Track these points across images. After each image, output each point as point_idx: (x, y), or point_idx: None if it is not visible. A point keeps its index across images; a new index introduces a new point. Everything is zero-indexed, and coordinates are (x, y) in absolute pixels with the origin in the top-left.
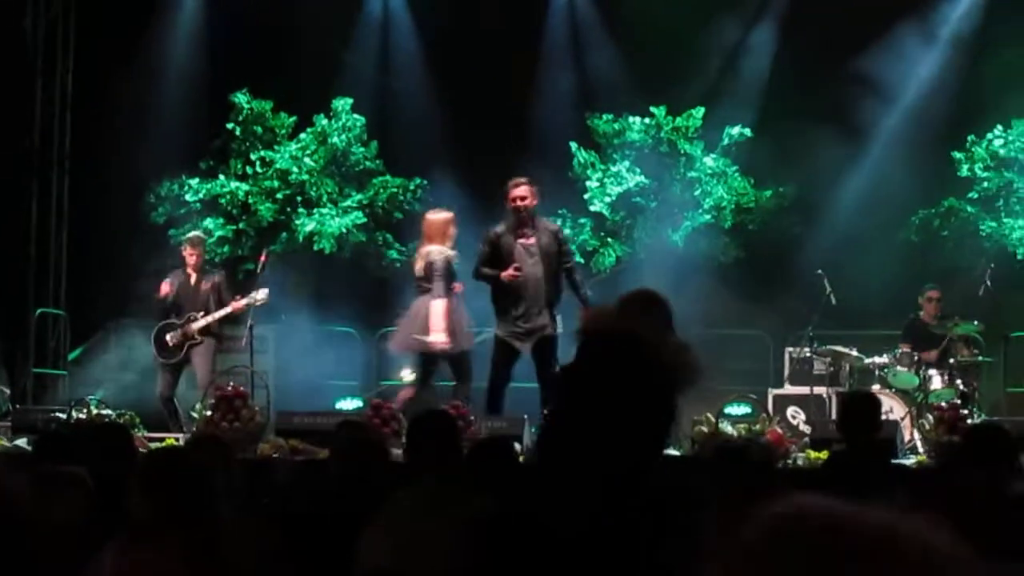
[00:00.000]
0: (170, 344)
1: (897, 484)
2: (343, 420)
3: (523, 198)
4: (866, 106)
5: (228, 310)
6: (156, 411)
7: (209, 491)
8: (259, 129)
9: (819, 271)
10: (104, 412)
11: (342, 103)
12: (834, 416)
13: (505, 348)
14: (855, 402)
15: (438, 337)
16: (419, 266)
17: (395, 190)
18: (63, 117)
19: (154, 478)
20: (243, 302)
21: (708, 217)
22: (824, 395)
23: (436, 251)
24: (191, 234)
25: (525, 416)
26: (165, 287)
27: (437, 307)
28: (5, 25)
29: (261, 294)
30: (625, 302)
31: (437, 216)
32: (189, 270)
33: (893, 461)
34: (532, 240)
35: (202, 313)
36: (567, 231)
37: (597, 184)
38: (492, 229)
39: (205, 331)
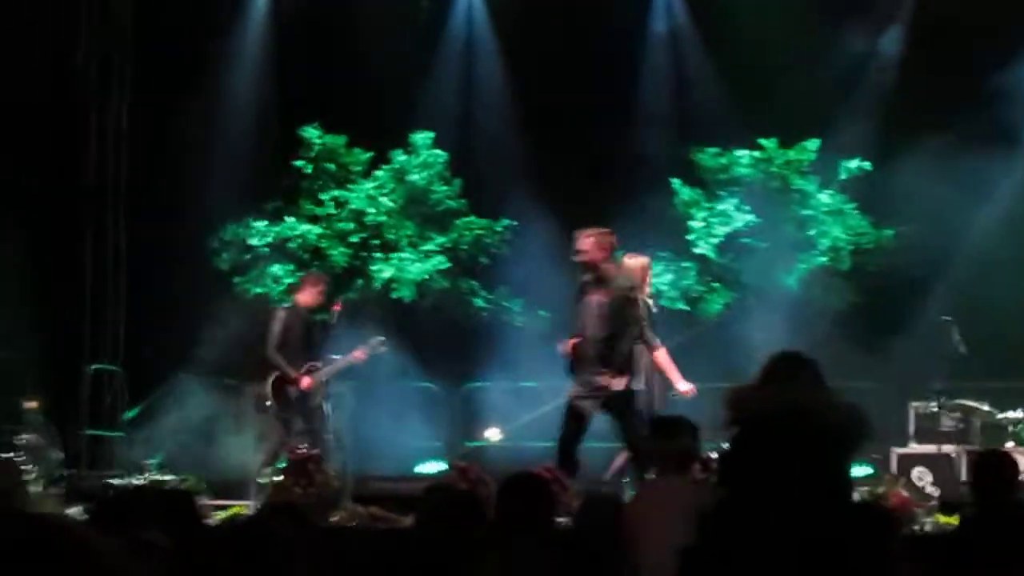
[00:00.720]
0: (291, 398)
1: None
2: (432, 484)
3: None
4: (1002, 131)
5: (350, 359)
6: (220, 475)
7: (290, 565)
8: (331, 166)
9: (946, 317)
10: (165, 477)
11: (422, 137)
12: (964, 477)
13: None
14: (988, 462)
15: (686, 385)
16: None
17: (480, 232)
18: (119, 154)
19: (237, 550)
20: (364, 351)
21: (824, 259)
22: (953, 454)
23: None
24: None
25: (625, 480)
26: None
27: (665, 356)
28: (57, 56)
29: (376, 341)
30: (769, 371)
31: (636, 261)
32: (302, 309)
33: None
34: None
35: (321, 363)
36: (669, 276)
37: (702, 224)
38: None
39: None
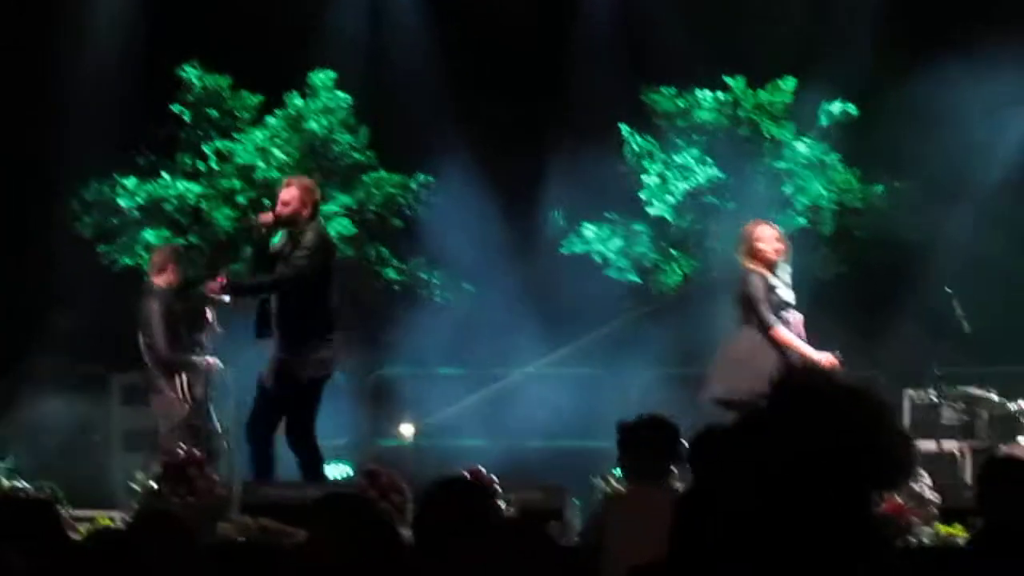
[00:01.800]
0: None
1: None
2: (328, 492)
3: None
4: (1014, 71)
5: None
6: (84, 482)
7: None
8: (214, 112)
9: (948, 289)
10: (16, 483)
11: (322, 77)
12: (969, 479)
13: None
14: (998, 468)
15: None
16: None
17: (392, 190)
18: None
19: (108, 568)
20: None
21: (802, 220)
22: (956, 452)
23: None
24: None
25: (564, 488)
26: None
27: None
28: None
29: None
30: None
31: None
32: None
33: None
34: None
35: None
36: (618, 241)
37: (657, 180)
38: None
39: None
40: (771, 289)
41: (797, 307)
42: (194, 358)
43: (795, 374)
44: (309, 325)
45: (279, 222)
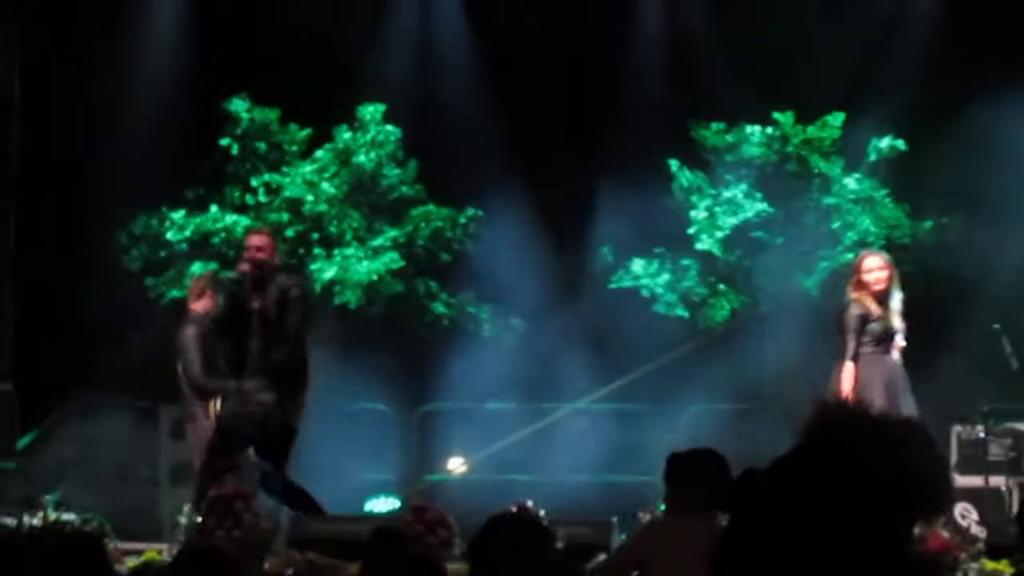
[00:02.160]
0: None
1: None
2: (378, 527)
3: (259, 248)
4: None
5: None
6: (132, 515)
7: None
8: (263, 146)
9: (996, 326)
10: (65, 517)
11: (371, 111)
12: (1017, 515)
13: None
14: None
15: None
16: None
17: (441, 224)
18: (6, 129)
19: None
20: None
21: (851, 256)
22: (1003, 487)
23: None
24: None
25: (614, 519)
26: None
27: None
28: None
29: None
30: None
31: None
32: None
33: None
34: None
35: None
36: (666, 275)
37: (705, 214)
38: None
39: None
40: (869, 320)
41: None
42: (224, 385)
43: (830, 410)
44: (300, 373)
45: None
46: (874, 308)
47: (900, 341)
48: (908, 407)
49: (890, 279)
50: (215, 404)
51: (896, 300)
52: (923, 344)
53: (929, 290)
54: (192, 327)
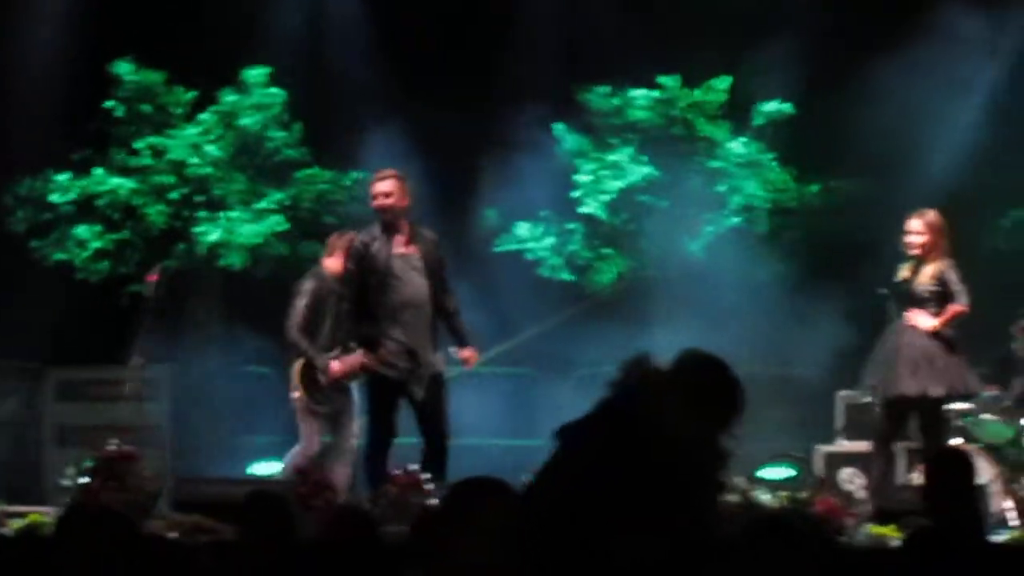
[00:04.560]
0: (323, 384)
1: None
2: (254, 490)
3: (388, 194)
4: (947, 72)
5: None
6: (17, 478)
7: None
8: (148, 108)
9: (882, 290)
10: None
11: (256, 73)
12: (900, 480)
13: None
14: (946, 463)
15: None
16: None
17: (325, 186)
18: None
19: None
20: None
21: (737, 220)
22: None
23: None
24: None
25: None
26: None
27: None
28: None
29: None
30: (682, 370)
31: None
32: (333, 275)
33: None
34: (412, 250)
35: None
36: (551, 239)
37: (590, 178)
38: (359, 237)
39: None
40: (896, 280)
41: (727, 308)
42: (314, 354)
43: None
44: None
45: None
46: (903, 269)
47: (916, 315)
48: (915, 377)
49: (923, 246)
50: (296, 364)
51: (927, 269)
52: (809, 308)
53: (815, 254)
54: (311, 280)
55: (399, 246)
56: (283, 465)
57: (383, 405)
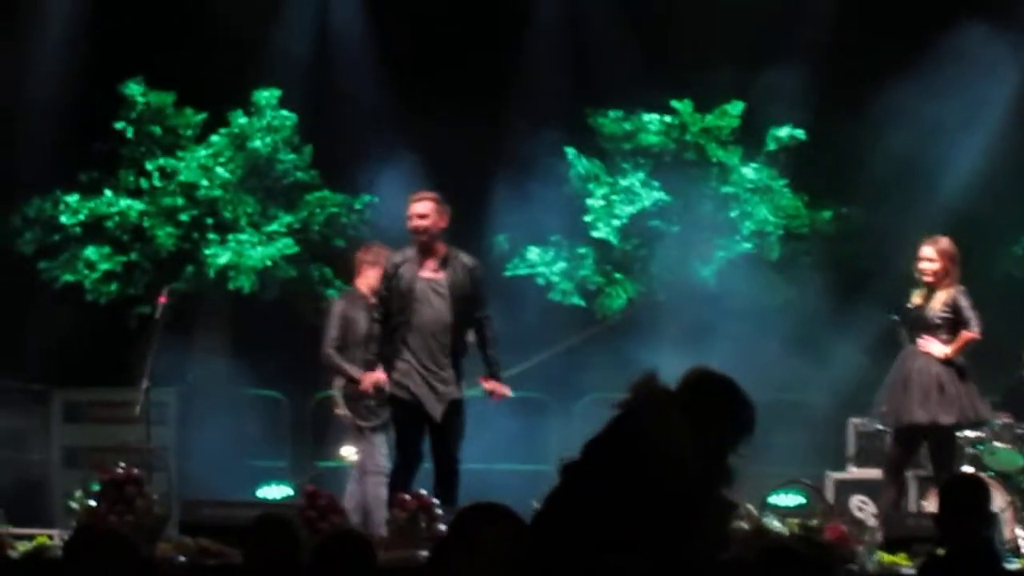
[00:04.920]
0: (364, 403)
1: None
2: (262, 514)
3: (423, 216)
4: (959, 97)
5: None
6: (23, 500)
7: None
8: (157, 130)
9: (894, 316)
10: None
11: (266, 96)
12: (912, 507)
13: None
14: (962, 489)
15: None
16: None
17: (336, 210)
18: None
19: None
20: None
21: (748, 246)
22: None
23: None
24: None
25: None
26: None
27: None
28: None
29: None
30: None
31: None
32: (364, 292)
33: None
34: (440, 275)
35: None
36: (562, 264)
37: (602, 203)
38: (391, 257)
39: None
40: (908, 306)
41: (738, 334)
42: (348, 368)
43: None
44: None
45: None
46: (915, 296)
47: (928, 342)
48: (925, 405)
49: (935, 273)
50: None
51: (939, 295)
52: (821, 336)
53: (827, 281)
54: (341, 300)
55: (428, 270)
56: (349, 490)
57: (402, 427)
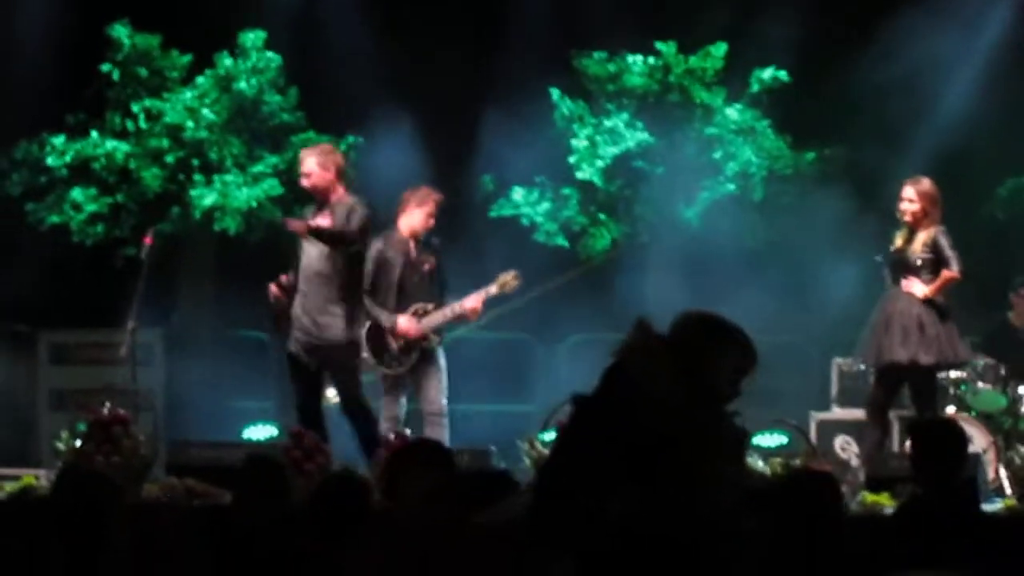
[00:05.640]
0: (395, 348)
1: (982, 537)
2: (251, 454)
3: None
4: (943, 41)
5: (459, 310)
6: (9, 441)
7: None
8: (143, 72)
9: (877, 257)
10: None
11: (252, 37)
12: (895, 448)
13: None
14: (934, 433)
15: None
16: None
17: None
18: None
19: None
20: (493, 289)
21: (732, 187)
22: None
23: None
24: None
25: (493, 448)
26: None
27: None
28: None
29: (509, 277)
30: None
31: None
32: (404, 235)
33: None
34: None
35: (432, 305)
36: (546, 204)
37: (586, 144)
38: None
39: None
40: (891, 249)
41: (722, 275)
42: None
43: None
44: None
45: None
46: (897, 237)
47: (910, 283)
48: (905, 345)
49: (915, 214)
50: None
51: (920, 236)
52: (803, 276)
53: (810, 222)
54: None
55: None
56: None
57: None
